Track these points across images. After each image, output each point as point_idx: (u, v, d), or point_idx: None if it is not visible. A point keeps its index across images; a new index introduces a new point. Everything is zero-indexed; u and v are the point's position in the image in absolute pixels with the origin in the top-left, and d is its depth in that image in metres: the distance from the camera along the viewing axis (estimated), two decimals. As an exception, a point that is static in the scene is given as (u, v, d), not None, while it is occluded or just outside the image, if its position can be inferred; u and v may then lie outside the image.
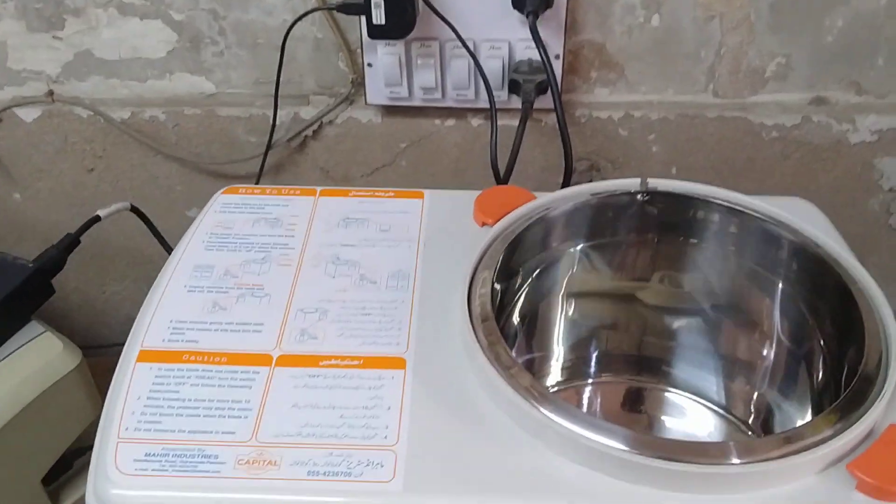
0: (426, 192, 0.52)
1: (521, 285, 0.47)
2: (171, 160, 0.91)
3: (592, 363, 0.52)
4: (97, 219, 0.78)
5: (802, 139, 0.86)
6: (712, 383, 0.50)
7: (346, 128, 0.90)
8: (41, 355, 0.69)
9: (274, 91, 0.84)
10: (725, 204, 0.47)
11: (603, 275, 0.50)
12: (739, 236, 0.47)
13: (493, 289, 0.42)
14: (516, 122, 0.81)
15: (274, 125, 0.88)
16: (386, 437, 0.38)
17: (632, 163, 0.89)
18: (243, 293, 0.45)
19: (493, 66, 0.79)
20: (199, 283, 0.46)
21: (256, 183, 0.92)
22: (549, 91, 0.80)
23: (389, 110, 0.87)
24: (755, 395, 0.48)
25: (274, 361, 0.42)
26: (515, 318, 0.46)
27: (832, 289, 0.42)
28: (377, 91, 0.83)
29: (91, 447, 0.68)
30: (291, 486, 0.37)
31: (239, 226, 0.49)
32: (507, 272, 0.44)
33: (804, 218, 0.46)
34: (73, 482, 0.75)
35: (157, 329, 0.43)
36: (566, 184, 0.78)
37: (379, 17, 0.74)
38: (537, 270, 0.49)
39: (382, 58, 0.79)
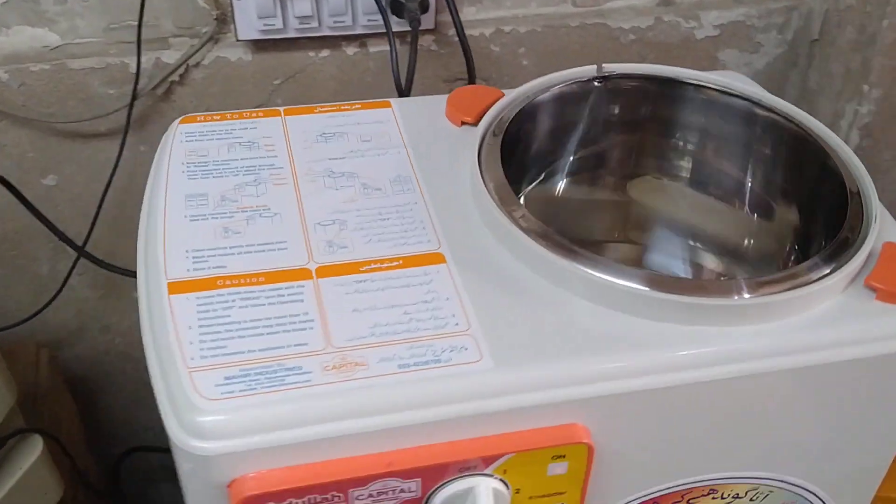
0: (392, 100, 0.51)
1: (524, 175, 0.49)
2: (19, 124, 0.84)
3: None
4: None
5: (656, 39, 0.92)
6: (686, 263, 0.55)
7: (214, 69, 0.86)
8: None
9: (136, 36, 0.78)
10: (685, 80, 0.50)
11: (591, 163, 0.52)
12: (706, 109, 0.50)
13: (504, 176, 0.43)
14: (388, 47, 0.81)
15: (139, 72, 0.82)
16: (457, 325, 0.39)
17: (504, 78, 0.92)
18: (251, 215, 0.43)
19: (368, -11, 0.79)
20: (199, 211, 0.44)
21: (123, 138, 0.86)
22: (428, 11, 0.81)
23: (259, 46, 0.84)
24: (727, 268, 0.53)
25: (314, 274, 0.41)
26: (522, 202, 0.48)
27: (801, 148, 0.47)
28: (248, 25, 0.80)
29: (10, 435, 0.63)
30: (388, 380, 0.36)
31: (214, 152, 0.47)
32: (508, 162, 0.45)
33: (748, 87, 0.51)
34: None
35: (176, 261, 0.41)
36: None
37: (262, -58, 0.71)
38: (535, 158, 0.50)
39: (252, -11, 0.76)
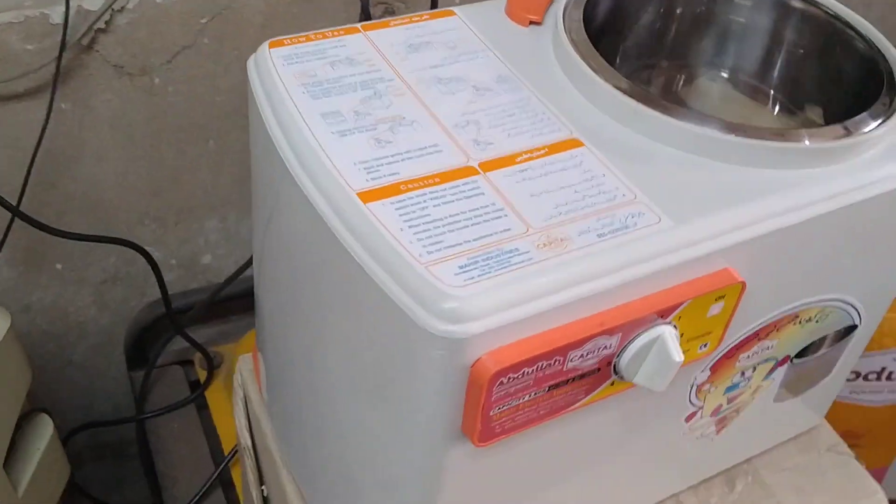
0: (454, 8, 0.54)
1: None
2: (-72, 96, 0.77)
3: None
4: None
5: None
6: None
7: (139, 13, 0.83)
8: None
9: None
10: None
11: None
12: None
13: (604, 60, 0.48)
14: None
15: (67, 19, 0.78)
16: (624, 195, 0.44)
17: (420, -1, 0.95)
18: (391, 125, 0.45)
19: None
20: (342, 127, 0.45)
21: (51, 101, 0.81)
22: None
23: (186, -17, 0.82)
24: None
25: (479, 169, 0.44)
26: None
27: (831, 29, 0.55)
28: (181, -41, 0.78)
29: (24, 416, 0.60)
30: (593, 249, 0.41)
31: (321, 72, 0.48)
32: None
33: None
34: (20, 455, 0.65)
35: (351, 173, 0.42)
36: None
37: None
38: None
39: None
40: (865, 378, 0.79)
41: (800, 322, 0.54)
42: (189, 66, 0.88)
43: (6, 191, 0.79)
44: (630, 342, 0.43)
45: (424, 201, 0.42)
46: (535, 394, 0.42)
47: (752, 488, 0.65)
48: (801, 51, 0.56)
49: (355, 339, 0.45)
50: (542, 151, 0.46)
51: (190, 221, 0.99)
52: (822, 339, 0.57)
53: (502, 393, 0.40)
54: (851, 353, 0.62)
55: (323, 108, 0.46)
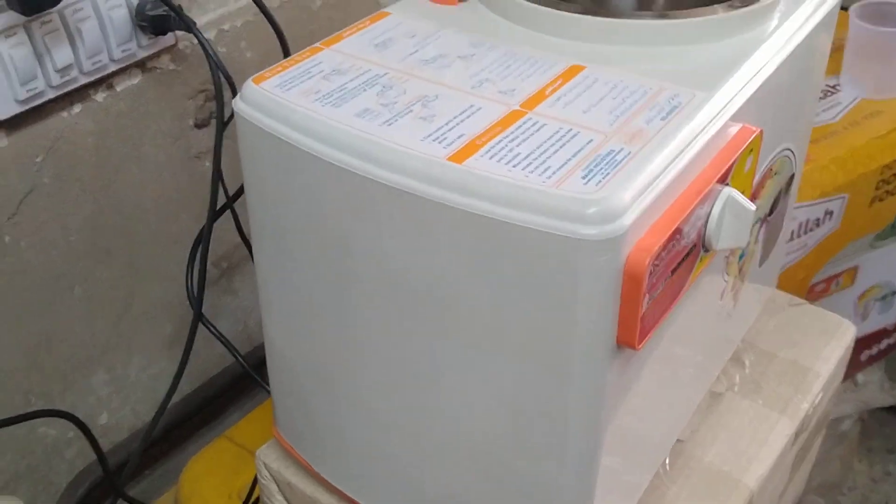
0: (387, 9, 0.56)
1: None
2: None
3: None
4: None
5: (340, 3, 1.02)
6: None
7: (-30, 171, 0.76)
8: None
9: None
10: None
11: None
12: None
13: None
14: (137, 80, 0.80)
15: None
16: (651, 88, 0.48)
17: (235, 76, 0.94)
18: (423, 104, 0.46)
19: (121, 15, 0.77)
20: (384, 118, 0.45)
21: None
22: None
23: (12, 125, 0.77)
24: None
25: (524, 109, 0.46)
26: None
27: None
28: (5, 99, 0.73)
29: None
30: (667, 129, 0.45)
31: (321, 85, 0.48)
32: None
33: None
34: None
35: (424, 148, 0.43)
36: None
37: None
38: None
39: (9, 53, 0.70)
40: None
41: (773, 174, 0.60)
42: (36, 213, 0.81)
43: None
44: (711, 210, 0.47)
45: (506, 145, 0.43)
46: (665, 281, 0.44)
47: (759, 359, 0.71)
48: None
49: (486, 306, 0.44)
50: (559, 82, 0.49)
51: (76, 383, 0.90)
52: (779, 194, 0.65)
53: (650, 283, 0.42)
54: (789, 209, 0.70)
55: (352, 111, 0.46)
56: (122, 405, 0.95)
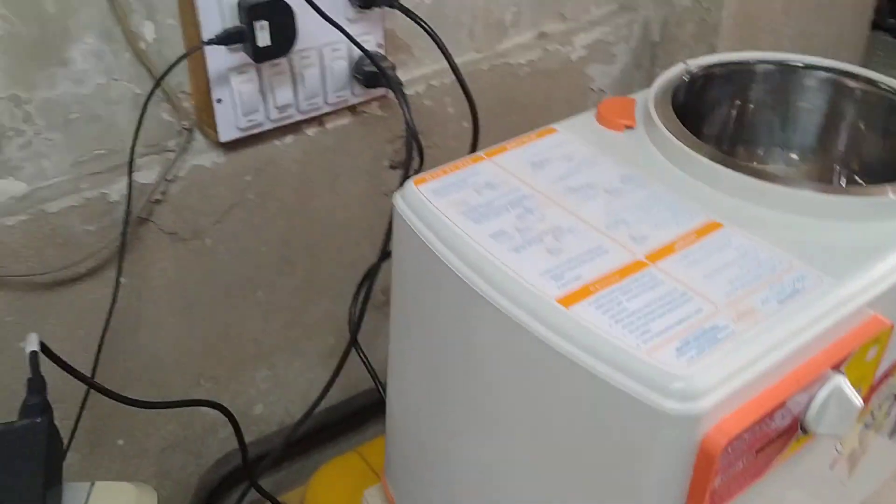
0: (556, 125, 0.59)
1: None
2: (-8, 290, 0.78)
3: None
4: (34, 355, 0.67)
5: (544, 66, 1.06)
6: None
7: (190, 179, 0.87)
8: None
9: (111, 164, 0.78)
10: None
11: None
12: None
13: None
14: (347, 120, 0.87)
15: (130, 199, 0.81)
16: (781, 263, 0.49)
17: (435, 128, 1.01)
18: (554, 235, 0.49)
19: (341, 67, 0.85)
20: (514, 243, 0.49)
21: (118, 278, 0.83)
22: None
23: (233, 146, 0.86)
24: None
25: (647, 261, 0.48)
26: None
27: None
28: (229, 125, 0.82)
29: None
30: (780, 314, 0.45)
31: (471, 199, 0.52)
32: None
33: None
34: None
35: (542, 283, 0.46)
36: (474, 145, 0.87)
37: (264, 39, 0.75)
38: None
39: (239, 88, 0.79)
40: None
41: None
42: (237, 223, 0.91)
43: (65, 377, 0.79)
44: (814, 397, 0.47)
45: (617, 297, 0.46)
46: (745, 461, 0.45)
47: (878, 527, 0.69)
48: (864, 128, 0.63)
49: (569, 442, 0.47)
50: (693, 237, 0.50)
51: (242, 375, 1.00)
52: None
53: (725, 463, 0.43)
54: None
55: (488, 230, 0.50)
56: (277, 401, 1.04)
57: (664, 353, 0.42)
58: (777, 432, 0.46)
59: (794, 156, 0.66)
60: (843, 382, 0.47)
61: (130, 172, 0.79)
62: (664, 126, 0.56)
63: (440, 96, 0.99)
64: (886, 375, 0.57)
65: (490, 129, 0.90)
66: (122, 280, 0.86)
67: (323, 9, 0.78)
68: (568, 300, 0.45)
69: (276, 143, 0.89)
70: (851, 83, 0.63)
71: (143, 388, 0.93)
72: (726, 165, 0.53)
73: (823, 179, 0.65)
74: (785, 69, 0.64)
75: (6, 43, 0.71)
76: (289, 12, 0.75)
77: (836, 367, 0.47)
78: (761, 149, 0.66)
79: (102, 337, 0.83)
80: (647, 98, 0.59)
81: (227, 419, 0.92)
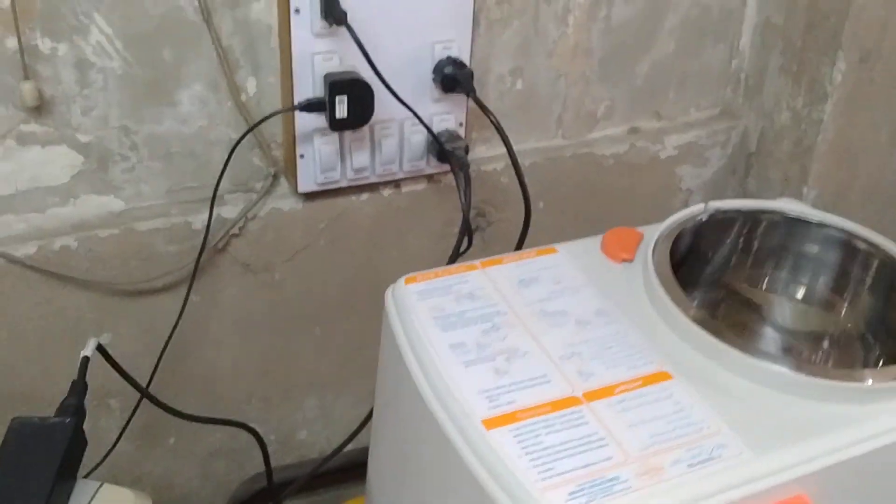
0: (556, 245, 0.63)
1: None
2: (81, 287, 0.88)
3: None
4: (86, 360, 0.76)
5: (630, 161, 1.09)
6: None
7: (268, 220, 0.95)
8: (117, 510, 0.66)
9: (200, 196, 0.86)
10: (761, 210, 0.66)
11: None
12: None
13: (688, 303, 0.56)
14: (422, 186, 0.93)
15: (209, 228, 0.90)
16: (709, 427, 0.51)
17: (510, 204, 1.05)
18: (508, 356, 0.54)
19: (418, 140, 0.91)
20: (467, 357, 0.53)
21: (186, 296, 0.92)
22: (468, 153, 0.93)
23: (312, 195, 0.94)
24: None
25: (583, 399, 0.51)
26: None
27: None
28: (308, 178, 0.90)
29: None
30: (684, 478, 0.48)
31: (448, 306, 0.57)
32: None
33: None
34: None
35: (476, 401, 0.50)
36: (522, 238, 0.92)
37: (342, 111, 0.82)
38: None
39: (320, 148, 0.86)
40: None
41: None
42: (306, 264, 0.99)
43: (136, 373, 0.89)
44: (715, 560, 0.49)
45: (538, 429, 0.49)
46: None
47: None
48: (867, 287, 0.64)
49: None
50: (638, 383, 0.53)
51: (291, 400, 1.08)
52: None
53: None
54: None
55: (451, 339, 0.55)
56: (321, 430, 1.12)
57: (556, 495, 0.46)
58: (668, 587, 0.48)
59: (798, 297, 0.67)
60: (746, 553, 0.49)
61: (213, 205, 0.88)
62: (653, 267, 0.59)
63: (514, 175, 1.03)
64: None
65: (568, 215, 0.94)
66: (194, 298, 0.96)
67: (410, 87, 0.85)
68: (492, 423, 0.49)
69: (353, 198, 0.97)
70: (861, 245, 0.64)
71: (197, 397, 1.02)
72: (691, 316, 0.55)
73: (830, 337, 0.66)
74: (799, 222, 0.65)
75: (124, 80, 0.81)
76: (368, 91, 0.82)
77: (745, 538, 0.49)
78: (767, 289, 0.68)
79: (166, 345, 0.92)
80: (654, 234, 0.62)
81: (273, 435, 1.00)
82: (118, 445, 1.01)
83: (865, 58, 1.00)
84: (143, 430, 1.01)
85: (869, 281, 0.64)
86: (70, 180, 0.85)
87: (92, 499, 0.66)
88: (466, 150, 0.92)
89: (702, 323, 0.55)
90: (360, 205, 0.97)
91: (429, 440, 0.52)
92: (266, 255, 0.97)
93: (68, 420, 0.67)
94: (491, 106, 1.00)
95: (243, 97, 0.87)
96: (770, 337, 0.68)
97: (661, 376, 0.54)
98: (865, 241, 0.64)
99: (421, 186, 0.98)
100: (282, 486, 1.00)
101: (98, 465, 0.93)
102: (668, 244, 0.61)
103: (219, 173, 0.87)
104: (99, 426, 0.96)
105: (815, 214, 0.66)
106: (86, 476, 0.88)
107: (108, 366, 0.82)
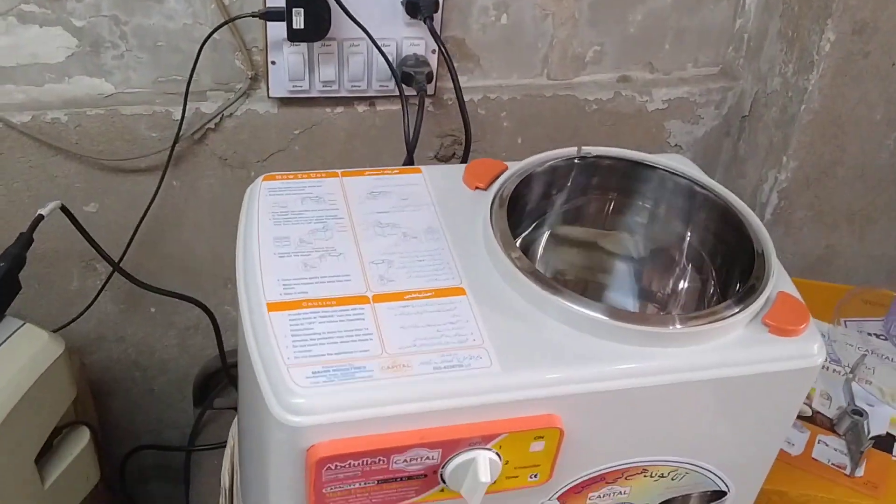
0: (422, 167, 0.67)
1: (520, 227, 0.66)
2: (71, 159, 0.98)
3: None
4: (41, 217, 0.85)
5: (614, 110, 1.10)
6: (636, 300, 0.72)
7: (244, 119, 1.02)
8: (29, 346, 0.76)
9: (183, 89, 0.93)
10: (644, 162, 0.68)
11: (572, 222, 0.70)
12: (659, 185, 0.68)
13: (508, 229, 0.60)
14: (397, 107, 0.97)
15: (182, 120, 0.98)
16: (475, 340, 0.55)
17: (487, 136, 1.09)
18: (322, 254, 0.59)
19: (382, 61, 0.95)
20: (285, 250, 0.59)
21: (162, 177, 1.00)
22: (432, 81, 0.97)
23: (285, 102, 1.00)
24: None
25: (371, 299, 0.57)
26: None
27: (724, 217, 0.65)
28: (279, 85, 0.96)
29: (65, 426, 0.77)
30: (426, 378, 0.52)
31: (292, 204, 0.63)
32: (510, 217, 0.62)
33: (690, 169, 0.68)
34: (54, 457, 0.82)
35: (272, 287, 0.56)
36: (466, 154, 0.96)
37: (298, 22, 0.87)
38: (530, 218, 0.67)
39: (288, 56, 0.92)
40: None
41: (651, 476, 0.62)
42: (280, 167, 1.07)
43: (120, 244, 0.99)
44: (451, 458, 0.54)
45: (315, 318, 0.55)
46: (365, 483, 0.54)
47: None
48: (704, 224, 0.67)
49: (250, 419, 0.58)
50: (429, 294, 0.58)
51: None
52: (688, 498, 0.65)
53: (332, 477, 0.52)
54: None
55: (278, 233, 0.61)
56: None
57: (299, 374, 0.52)
58: (406, 473, 0.54)
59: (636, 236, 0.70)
60: (481, 456, 0.54)
61: (186, 95, 0.95)
62: (492, 196, 0.63)
63: (497, 110, 1.07)
64: (605, 480, 0.61)
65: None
66: (174, 183, 1.05)
67: (380, 9, 0.90)
68: (275, 307, 0.56)
69: (328, 110, 1.03)
70: (696, 188, 0.66)
71: (175, 275, 1.12)
72: (504, 243, 0.59)
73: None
74: (663, 174, 0.67)
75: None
76: (324, 6, 0.87)
77: (485, 444, 0.54)
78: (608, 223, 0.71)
79: (141, 220, 1.02)
80: (513, 169, 0.66)
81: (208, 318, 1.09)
82: (105, 306, 1.12)
83: (860, 30, 0.97)
84: (126, 296, 1.12)
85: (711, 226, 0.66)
86: (65, 60, 0.95)
87: (12, 334, 0.76)
88: (429, 78, 0.97)
89: (507, 249, 0.59)
90: (334, 117, 1.03)
91: (238, 320, 0.59)
92: (242, 153, 1.05)
93: (2, 263, 0.77)
94: (472, 38, 1.04)
95: (226, 0, 0.93)
96: (604, 282, 0.71)
97: (456, 291, 0.58)
98: (719, 197, 0.66)
99: (396, 107, 1.03)
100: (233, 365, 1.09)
101: (78, 316, 1.04)
102: (520, 179, 0.65)
103: (201, 70, 0.95)
104: (86, 285, 1.08)
105: (692, 174, 0.68)
106: (66, 326, 1.00)
107: (96, 233, 0.92)
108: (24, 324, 0.77)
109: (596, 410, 0.56)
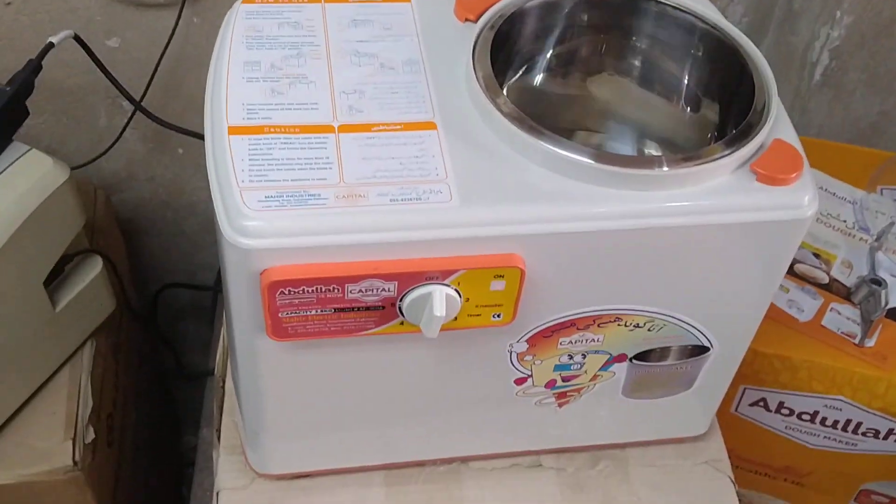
0: (415, -4, 0.64)
1: (509, 67, 0.62)
2: (90, -10, 0.96)
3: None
4: (51, 45, 0.84)
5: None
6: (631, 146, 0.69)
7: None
8: (33, 171, 0.77)
9: None
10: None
11: (563, 61, 0.66)
12: (658, 20, 0.63)
13: (491, 67, 0.57)
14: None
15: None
16: (437, 175, 0.53)
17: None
18: (292, 81, 0.57)
19: None
20: (253, 74, 0.57)
21: (180, 10, 0.99)
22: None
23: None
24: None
25: (336, 129, 0.55)
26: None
27: (730, 59, 0.60)
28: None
29: (77, 254, 0.78)
30: (381, 209, 0.51)
31: (268, 29, 0.61)
32: (498, 55, 0.59)
33: (696, 4, 0.63)
34: (66, 282, 0.85)
35: (235, 111, 0.55)
36: None
37: None
38: (520, 54, 0.64)
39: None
40: (799, 417, 0.82)
41: (625, 325, 0.60)
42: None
43: (135, 83, 0.99)
44: (408, 292, 0.53)
45: (275, 144, 0.54)
46: (321, 311, 0.53)
47: (612, 471, 0.73)
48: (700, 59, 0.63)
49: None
50: (398, 127, 0.56)
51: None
52: (667, 350, 0.64)
53: (286, 302, 0.52)
54: (716, 375, 0.67)
55: (249, 57, 0.59)
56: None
57: (252, 197, 0.51)
58: (362, 304, 0.53)
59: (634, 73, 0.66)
60: (437, 291, 0.53)
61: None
62: (479, 30, 0.60)
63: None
64: (576, 326, 0.60)
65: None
66: (195, 20, 1.03)
67: None
68: (236, 131, 0.54)
69: None
70: (699, 24, 0.62)
71: (198, 115, 1.12)
72: (484, 78, 0.56)
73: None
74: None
75: None
76: None
77: (439, 278, 0.53)
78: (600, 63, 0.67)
79: (161, 55, 1.01)
80: (505, 1, 0.62)
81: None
82: (134, 145, 1.13)
83: None
84: (155, 135, 1.13)
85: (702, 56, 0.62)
86: None
87: (17, 159, 0.77)
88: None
89: (489, 88, 0.56)
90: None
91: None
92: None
93: (8, 88, 0.77)
94: None
95: None
96: (594, 128, 0.67)
97: (426, 125, 0.56)
98: (707, 23, 0.62)
99: None
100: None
101: (104, 152, 1.05)
102: (511, 11, 0.61)
103: None
104: (113, 123, 1.09)
105: (698, 10, 0.63)
106: (93, 161, 1.01)
107: (120, 69, 0.91)
108: (30, 149, 0.78)
109: (563, 253, 0.54)
